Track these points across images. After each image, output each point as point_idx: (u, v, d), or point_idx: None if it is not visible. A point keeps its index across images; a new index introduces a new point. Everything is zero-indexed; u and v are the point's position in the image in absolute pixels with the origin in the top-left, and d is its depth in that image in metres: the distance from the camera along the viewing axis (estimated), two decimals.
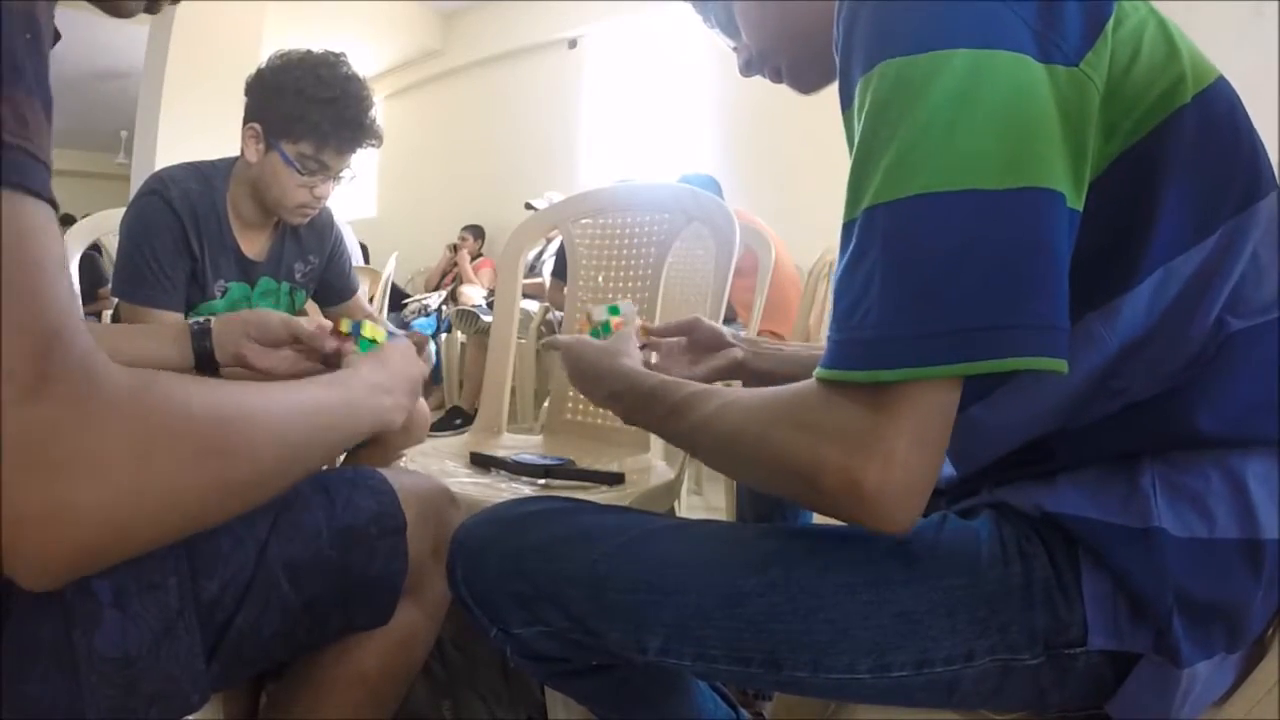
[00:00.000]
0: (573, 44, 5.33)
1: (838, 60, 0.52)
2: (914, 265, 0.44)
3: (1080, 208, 0.47)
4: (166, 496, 0.38)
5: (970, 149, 0.44)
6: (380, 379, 0.64)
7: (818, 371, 0.48)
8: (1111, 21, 0.48)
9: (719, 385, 0.62)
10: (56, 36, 0.50)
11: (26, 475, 0.32)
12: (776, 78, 0.71)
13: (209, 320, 0.84)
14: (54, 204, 0.35)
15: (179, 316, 1.27)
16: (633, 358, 0.73)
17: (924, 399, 0.44)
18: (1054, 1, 0.47)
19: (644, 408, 0.64)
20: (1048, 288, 0.44)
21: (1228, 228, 0.50)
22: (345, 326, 0.81)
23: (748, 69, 0.73)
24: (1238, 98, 0.53)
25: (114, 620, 0.46)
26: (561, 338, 0.82)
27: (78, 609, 0.45)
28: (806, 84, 0.71)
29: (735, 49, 0.74)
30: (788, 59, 0.69)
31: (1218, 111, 0.51)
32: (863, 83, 0.48)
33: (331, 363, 0.82)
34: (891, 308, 0.44)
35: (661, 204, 1.43)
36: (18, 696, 0.42)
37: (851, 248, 0.47)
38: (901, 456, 0.44)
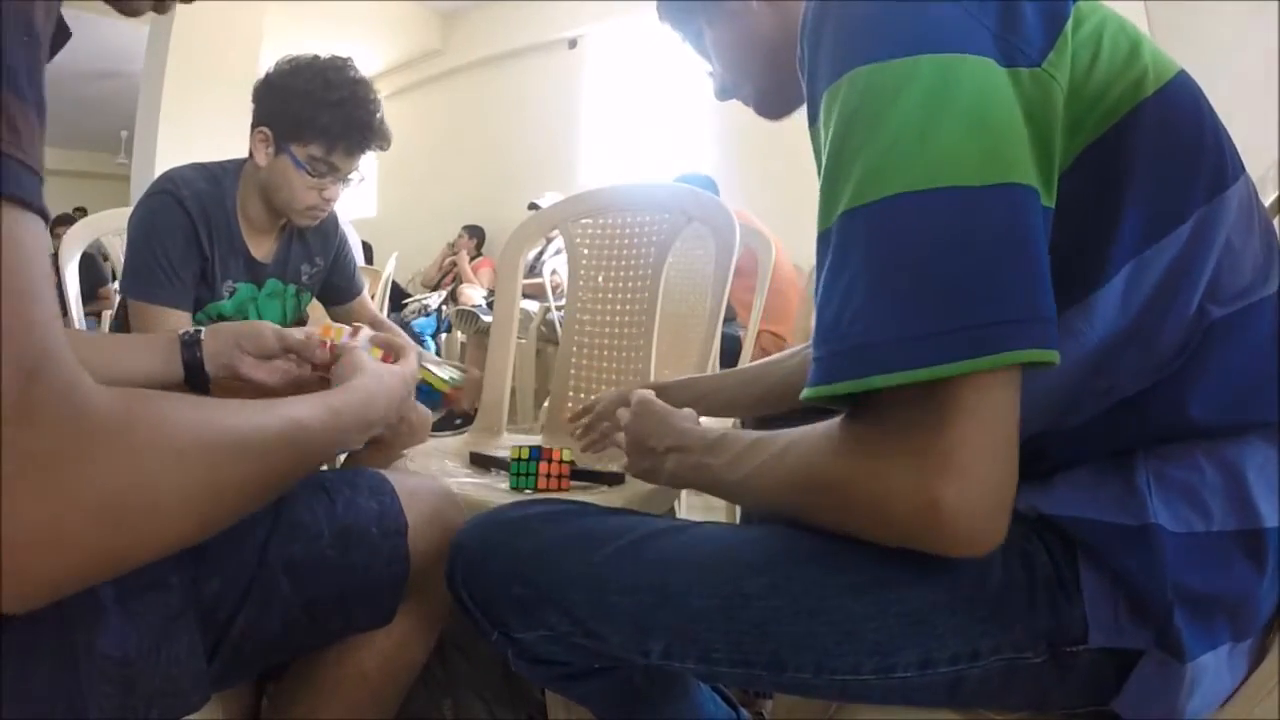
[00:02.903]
0: (573, 44, 5.33)
1: (803, 76, 0.52)
2: (902, 264, 0.44)
3: (1052, 205, 0.47)
4: (152, 522, 0.38)
5: (946, 148, 0.44)
6: (371, 414, 0.63)
7: (807, 393, 0.46)
8: (1070, 22, 0.49)
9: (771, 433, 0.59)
10: (66, 34, 0.50)
11: (12, 501, 0.32)
12: (748, 103, 0.73)
13: (199, 331, 0.82)
14: (45, 214, 0.35)
15: (186, 316, 1.27)
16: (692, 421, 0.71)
17: (979, 399, 0.42)
18: (1013, 4, 0.48)
19: (702, 459, 0.63)
20: (1037, 280, 0.44)
21: (1198, 217, 0.50)
22: (336, 336, 0.81)
23: (721, 94, 0.75)
24: (1200, 91, 0.54)
25: (116, 619, 0.46)
26: (638, 393, 0.79)
27: (79, 608, 0.45)
28: (774, 110, 0.73)
29: (710, 74, 0.75)
30: (754, 86, 0.71)
31: (1180, 105, 0.52)
32: (830, 92, 0.48)
33: (323, 371, 0.82)
34: (881, 310, 0.43)
35: (661, 204, 1.43)
36: (18, 695, 0.42)
37: (831, 257, 0.46)
38: (973, 467, 0.42)
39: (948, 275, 0.43)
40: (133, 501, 0.37)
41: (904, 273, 0.43)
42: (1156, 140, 0.50)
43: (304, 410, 0.53)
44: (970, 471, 0.42)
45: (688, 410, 0.72)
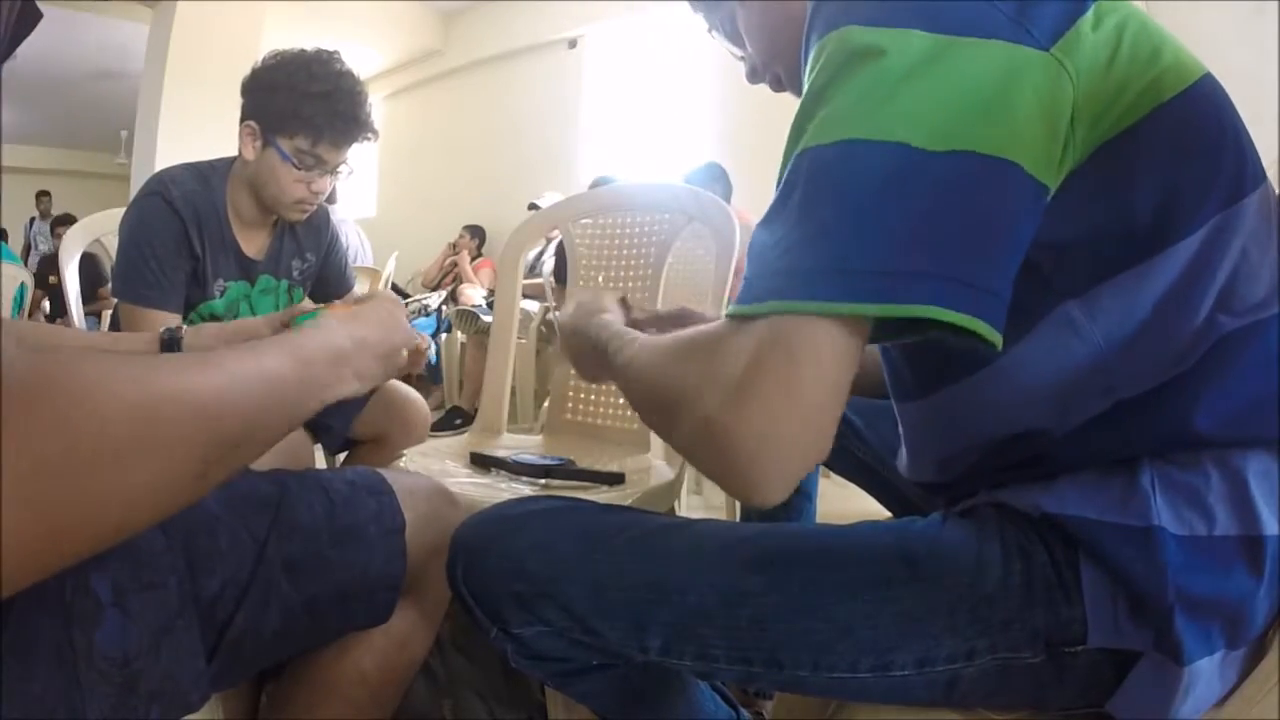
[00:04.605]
0: (573, 44, 5.33)
1: (803, 39, 0.52)
2: (833, 203, 0.43)
3: (1052, 185, 0.47)
4: (84, 506, 0.34)
5: (908, 109, 0.43)
6: (345, 345, 0.56)
7: (728, 310, 0.45)
8: (1089, 18, 0.48)
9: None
10: (36, 15, 0.46)
11: None
12: (778, 86, 0.72)
13: (180, 330, 0.80)
14: None
15: (177, 318, 1.27)
16: (611, 313, 0.72)
17: (812, 338, 0.41)
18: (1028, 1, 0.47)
19: (597, 356, 0.64)
20: (977, 248, 0.43)
21: (1214, 223, 0.50)
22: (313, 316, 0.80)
23: (753, 76, 0.74)
24: (1225, 95, 0.53)
25: (114, 619, 0.46)
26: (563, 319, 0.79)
27: (78, 608, 0.45)
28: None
29: (741, 57, 0.74)
30: (786, 66, 0.70)
31: (1201, 109, 0.51)
32: (818, 45, 0.48)
33: None
34: (804, 241, 0.43)
35: (661, 204, 1.43)
36: (17, 695, 0.42)
37: (779, 190, 0.46)
38: (765, 399, 0.41)
39: (877, 221, 0.42)
40: (56, 486, 0.32)
41: (835, 211, 0.43)
42: (1174, 144, 0.50)
43: (275, 362, 0.47)
44: (757, 403, 0.41)
45: (598, 305, 0.74)
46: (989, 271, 0.43)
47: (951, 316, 0.41)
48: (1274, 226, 0.53)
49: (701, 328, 0.48)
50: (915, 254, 0.42)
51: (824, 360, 0.41)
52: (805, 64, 0.52)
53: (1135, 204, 0.50)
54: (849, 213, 0.43)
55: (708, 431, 0.42)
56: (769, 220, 0.46)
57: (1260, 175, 0.53)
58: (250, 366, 0.45)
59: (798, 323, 0.41)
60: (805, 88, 0.49)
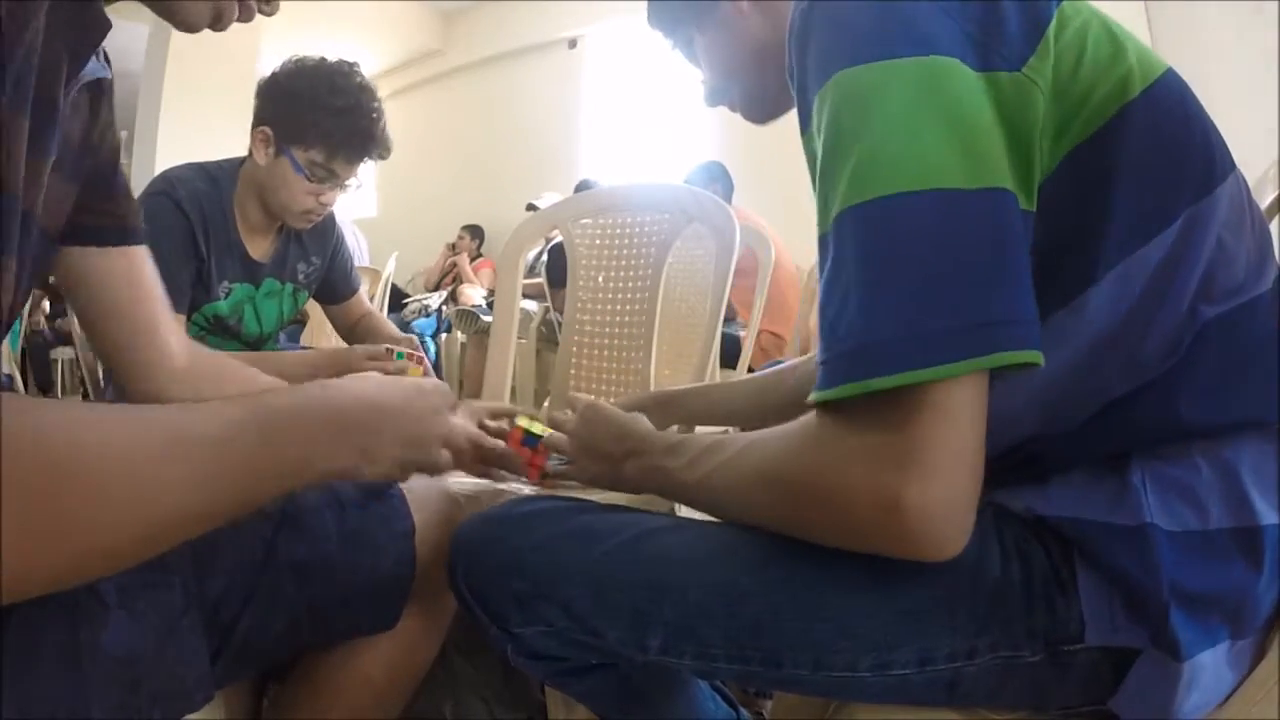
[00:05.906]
0: (573, 44, 5.33)
1: (792, 84, 0.53)
2: (893, 265, 0.44)
3: (1032, 209, 0.48)
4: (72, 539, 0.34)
5: (932, 150, 0.45)
6: (352, 415, 0.46)
7: (814, 396, 0.46)
8: (1054, 25, 0.49)
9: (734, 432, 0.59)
10: (103, 26, 0.49)
11: None
12: (735, 107, 0.74)
13: None
14: None
15: (180, 319, 1.27)
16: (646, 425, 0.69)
17: (950, 400, 0.42)
18: (995, 6, 0.48)
19: (661, 462, 0.61)
20: (1020, 282, 0.45)
21: (1187, 216, 0.50)
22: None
23: (711, 98, 0.75)
24: (1188, 88, 0.54)
25: (120, 619, 0.46)
26: (583, 398, 0.76)
27: (83, 608, 0.45)
28: (760, 114, 0.74)
29: (701, 81, 0.76)
30: (741, 90, 0.71)
31: (1167, 104, 0.52)
32: (819, 98, 0.49)
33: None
34: (878, 309, 0.44)
35: (661, 204, 1.43)
36: (22, 694, 0.42)
37: (830, 259, 0.47)
38: (939, 467, 0.42)
39: (939, 276, 0.44)
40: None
41: (896, 274, 0.44)
42: (1143, 142, 0.50)
43: (216, 418, 0.40)
44: (934, 471, 0.42)
45: (639, 414, 0.70)
46: (1030, 301, 0.45)
47: (1026, 357, 0.43)
48: (1247, 212, 0.54)
49: (800, 423, 0.48)
50: (979, 303, 0.43)
51: (976, 415, 0.43)
52: (794, 85, 0.53)
53: (1108, 205, 0.50)
54: (913, 273, 0.44)
55: (898, 515, 0.42)
56: (831, 290, 0.46)
57: (1229, 164, 0.54)
58: (190, 425, 0.40)
59: (943, 386, 0.42)
60: (819, 145, 0.49)
